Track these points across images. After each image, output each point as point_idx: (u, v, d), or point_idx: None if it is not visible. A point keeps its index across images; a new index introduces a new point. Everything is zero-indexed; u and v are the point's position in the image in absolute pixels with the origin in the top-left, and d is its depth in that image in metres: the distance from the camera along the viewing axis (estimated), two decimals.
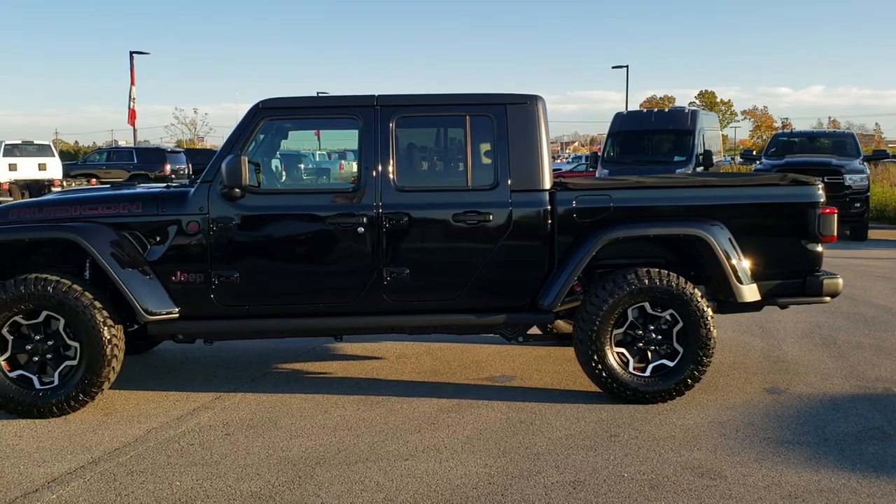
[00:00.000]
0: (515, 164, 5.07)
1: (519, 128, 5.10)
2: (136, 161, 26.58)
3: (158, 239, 4.94)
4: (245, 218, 4.94)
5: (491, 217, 5.02)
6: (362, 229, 4.95)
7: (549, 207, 5.07)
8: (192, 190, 5.00)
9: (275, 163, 5.60)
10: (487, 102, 5.16)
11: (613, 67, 39.68)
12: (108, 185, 6.62)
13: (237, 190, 4.87)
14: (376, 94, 5.11)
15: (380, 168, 5.00)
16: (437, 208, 5.04)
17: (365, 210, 4.97)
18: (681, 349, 5.03)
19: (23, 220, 4.97)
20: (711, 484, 3.84)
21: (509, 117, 5.11)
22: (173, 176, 25.98)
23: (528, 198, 5.07)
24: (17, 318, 4.78)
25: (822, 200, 5.23)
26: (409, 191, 5.04)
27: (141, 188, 5.72)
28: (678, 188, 5.54)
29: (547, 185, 5.11)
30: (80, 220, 4.90)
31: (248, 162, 4.82)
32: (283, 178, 5.92)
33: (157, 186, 5.65)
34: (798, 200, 5.25)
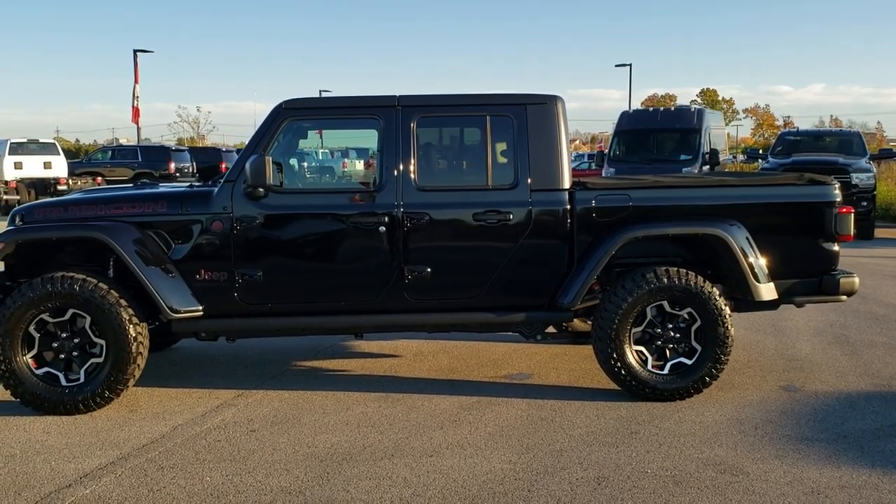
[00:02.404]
0: (535, 163, 5.11)
1: (538, 128, 5.15)
2: (140, 159, 26.54)
3: (183, 238, 5.00)
4: (268, 217, 5.00)
5: (511, 216, 5.07)
6: (384, 228, 5.00)
7: (568, 207, 5.12)
8: (216, 189, 5.06)
9: (297, 162, 5.65)
10: (507, 103, 5.20)
11: (616, 66, 40.08)
12: (132, 185, 6.67)
13: (261, 189, 4.93)
14: (397, 94, 5.16)
15: (401, 167, 5.04)
16: (457, 208, 5.09)
17: (386, 209, 5.02)
18: (699, 347, 5.08)
19: (49, 219, 5.03)
20: (734, 480, 3.89)
21: (529, 117, 5.15)
22: (178, 175, 25.96)
23: (548, 197, 5.11)
24: (44, 316, 4.83)
25: (838, 200, 5.28)
26: (429, 190, 5.09)
27: (164, 187, 5.78)
28: (696, 188, 5.61)
29: (566, 184, 5.16)
30: (106, 220, 4.95)
31: (272, 161, 4.88)
32: (306, 177, 5.97)
33: (181, 186, 5.70)
34: (815, 200, 5.30)
